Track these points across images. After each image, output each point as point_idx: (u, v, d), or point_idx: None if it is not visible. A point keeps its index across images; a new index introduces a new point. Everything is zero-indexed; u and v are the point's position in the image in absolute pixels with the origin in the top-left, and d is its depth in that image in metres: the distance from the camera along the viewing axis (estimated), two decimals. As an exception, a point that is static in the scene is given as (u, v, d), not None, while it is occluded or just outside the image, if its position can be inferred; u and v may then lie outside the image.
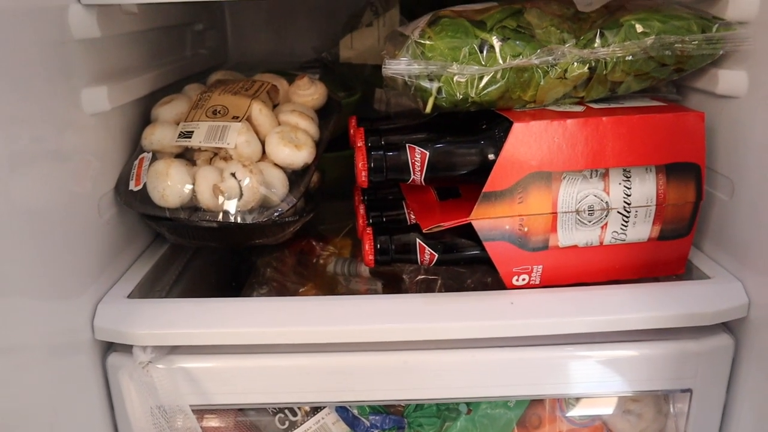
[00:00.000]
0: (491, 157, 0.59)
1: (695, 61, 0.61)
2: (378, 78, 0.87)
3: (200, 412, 0.63)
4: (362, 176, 0.60)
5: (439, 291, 0.68)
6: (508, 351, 0.60)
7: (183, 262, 0.76)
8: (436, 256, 0.62)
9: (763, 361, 0.59)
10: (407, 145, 0.60)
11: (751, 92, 0.60)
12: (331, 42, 0.95)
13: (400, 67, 0.59)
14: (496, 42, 0.59)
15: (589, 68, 0.60)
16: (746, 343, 0.61)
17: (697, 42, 0.60)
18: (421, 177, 0.60)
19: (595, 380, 0.61)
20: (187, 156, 0.67)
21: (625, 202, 0.60)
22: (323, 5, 1.02)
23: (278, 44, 1.07)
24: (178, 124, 0.67)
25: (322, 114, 0.73)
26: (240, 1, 1.03)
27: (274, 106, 0.71)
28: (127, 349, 0.59)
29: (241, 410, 0.66)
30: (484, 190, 0.57)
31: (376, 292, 0.74)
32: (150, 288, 0.68)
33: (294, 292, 0.74)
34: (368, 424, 0.65)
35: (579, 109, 0.61)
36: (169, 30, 0.84)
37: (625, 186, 0.59)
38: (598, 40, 0.60)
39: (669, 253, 0.63)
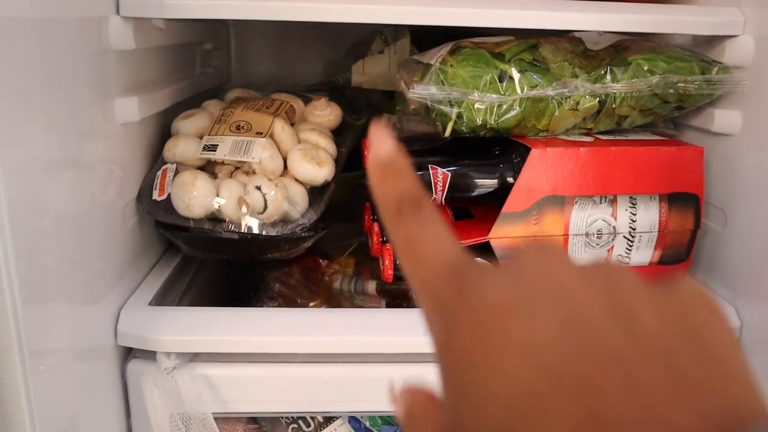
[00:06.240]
0: (510, 180, 0.62)
1: (695, 99, 0.66)
2: (384, 104, 0.90)
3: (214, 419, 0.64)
4: (385, 194, 0.62)
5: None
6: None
7: (189, 275, 0.77)
8: (452, 273, 0.64)
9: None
10: (429, 165, 0.63)
11: (744, 131, 0.65)
12: (333, 68, 0.98)
13: (425, 92, 0.62)
14: (515, 73, 0.62)
15: (599, 102, 0.64)
16: (737, 365, 0.64)
17: (698, 83, 0.64)
18: (441, 197, 0.63)
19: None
20: (207, 169, 0.69)
21: (630, 227, 0.63)
22: (329, 33, 1.05)
23: (280, 67, 1.09)
24: (199, 138, 0.69)
25: (337, 135, 0.76)
26: (248, 22, 1.06)
27: (291, 125, 0.73)
28: (147, 355, 0.60)
29: (252, 419, 0.67)
30: (502, 211, 0.60)
31: (380, 310, 0.75)
32: (162, 298, 0.69)
33: (304, 307, 0.75)
34: (378, 436, 0.67)
35: (588, 139, 0.65)
36: (185, 47, 0.85)
37: (631, 212, 0.63)
38: (608, 76, 0.64)
39: (668, 277, 0.67)
